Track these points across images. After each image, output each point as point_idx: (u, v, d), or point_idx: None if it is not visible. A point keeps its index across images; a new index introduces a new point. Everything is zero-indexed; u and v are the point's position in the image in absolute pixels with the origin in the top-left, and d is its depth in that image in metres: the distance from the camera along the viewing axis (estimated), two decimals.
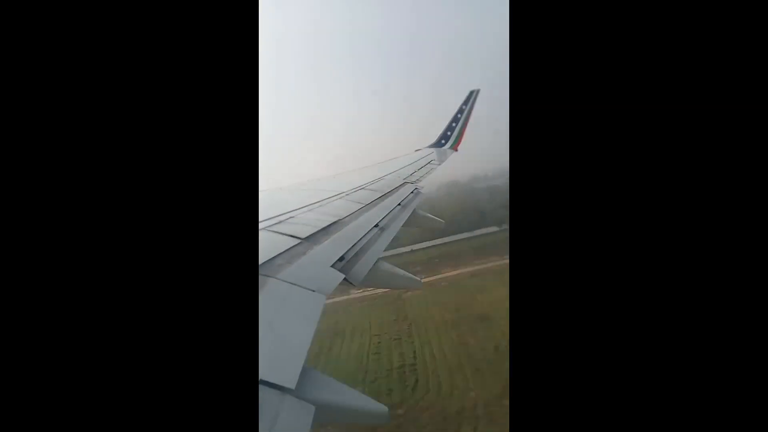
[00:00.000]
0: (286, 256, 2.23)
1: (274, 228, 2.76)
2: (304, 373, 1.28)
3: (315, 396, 1.25)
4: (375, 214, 3.70)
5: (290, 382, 1.20)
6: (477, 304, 26.45)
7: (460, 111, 11.50)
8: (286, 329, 1.50)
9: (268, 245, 2.33)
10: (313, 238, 2.64)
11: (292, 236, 2.57)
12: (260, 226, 2.77)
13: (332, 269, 2.24)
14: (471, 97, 11.62)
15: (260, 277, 1.86)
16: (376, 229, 3.25)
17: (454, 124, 11.38)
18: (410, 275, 3.06)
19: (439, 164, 8.45)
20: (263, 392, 1.14)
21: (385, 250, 2.91)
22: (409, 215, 4.23)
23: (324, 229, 2.90)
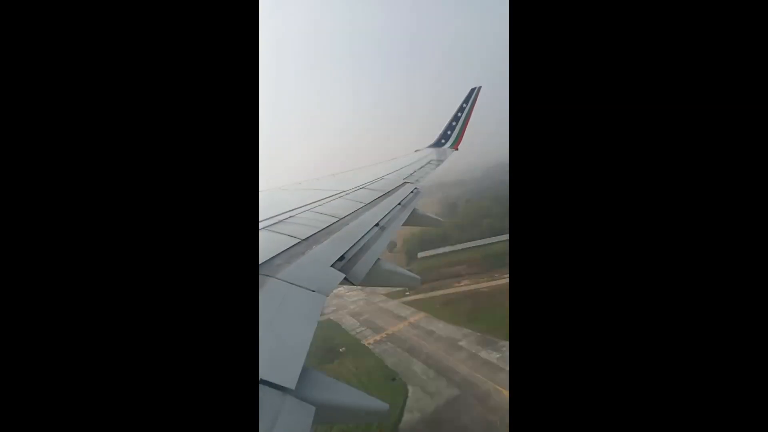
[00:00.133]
0: (286, 255, 2.23)
1: (274, 228, 2.76)
2: (304, 373, 1.28)
3: (315, 396, 1.25)
4: (375, 214, 3.70)
5: (290, 382, 1.20)
6: None
7: (461, 109, 11.48)
8: (286, 329, 1.50)
9: (268, 245, 2.33)
10: (312, 238, 2.64)
11: (291, 236, 2.57)
12: (260, 225, 2.77)
13: (332, 269, 2.24)
14: (472, 95, 11.60)
15: (260, 277, 1.86)
16: (376, 229, 3.25)
17: (454, 123, 11.37)
18: (410, 274, 3.06)
19: (439, 164, 8.45)
20: (263, 392, 1.14)
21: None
22: (409, 214, 4.23)
23: (324, 228, 2.90)
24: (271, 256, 2.16)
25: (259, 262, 2.03)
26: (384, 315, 33.40)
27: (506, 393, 19.77)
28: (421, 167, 7.58)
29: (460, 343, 26.25)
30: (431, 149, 10.58)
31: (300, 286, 1.86)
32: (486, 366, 23.05)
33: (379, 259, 2.74)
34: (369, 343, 28.52)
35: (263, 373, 1.18)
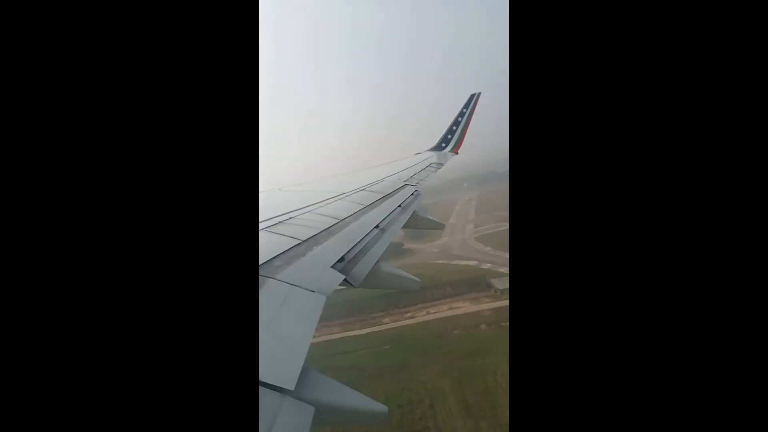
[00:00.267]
0: (286, 256, 2.23)
1: (275, 228, 2.76)
2: (304, 373, 1.28)
3: (314, 397, 1.24)
4: (376, 215, 3.70)
5: (290, 383, 1.20)
6: None
7: (461, 114, 11.53)
8: (285, 330, 1.50)
9: (268, 246, 2.32)
10: (313, 239, 2.64)
11: (292, 237, 2.57)
12: (260, 226, 2.77)
13: (332, 270, 2.24)
14: (472, 101, 11.64)
15: (260, 278, 1.85)
16: (376, 230, 3.24)
17: (454, 128, 11.40)
18: (410, 276, 3.06)
19: (440, 167, 8.47)
20: (263, 393, 1.13)
21: None
22: (409, 217, 4.23)
23: (324, 229, 2.90)
24: (272, 256, 2.16)
25: (260, 263, 2.03)
26: None
27: None
28: (422, 170, 7.60)
29: None
30: (432, 152, 10.60)
31: (300, 287, 1.86)
32: None
33: (379, 260, 2.73)
34: None
35: (263, 373, 1.18)
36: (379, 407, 1.45)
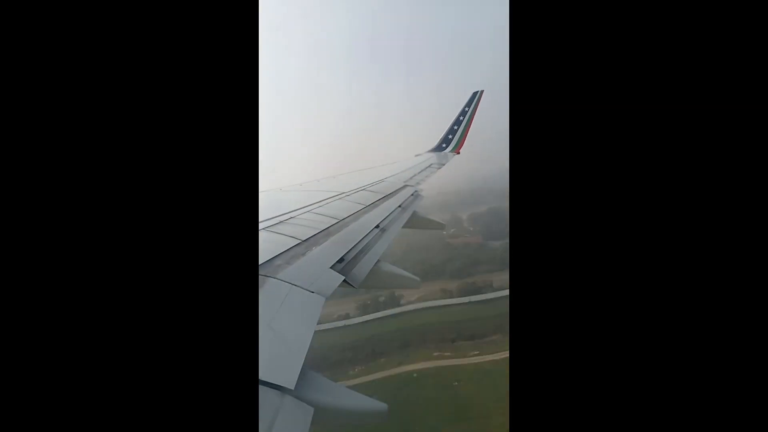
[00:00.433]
0: (286, 256, 2.23)
1: (274, 228, 2.76)
2: (304, 373, 1.28)
3: (314, 396, 1.24)
4: (376, 215, 3.71)
5: (289, 383, 1.20)
6: None
7: (463, 113, 11.48)
8: (285, 330, 1.50)
9: (268, 245, 2.33)
10: (313, 239, 2.64)
11: (292, 237, 2.57)
12: (260, 226, 2.77)
13: (332, 270, 2.24)
14: (474, 99, 11.58)
15: (260, 277, 1.86)
16: (376, 230, 3.25)
17: (456, 127, 11.37)
18: (410, 275, 3.06)
19: (440, 168, 8.47)
20: (263, 392, 1.14)
21: None
22: (409, 217, 4.24)
23: (324, 229, 2.90)
24: (272, 256, 2.16)
25: (260, 263, 2.03)
26: None
27: None
28: (422, 170, 7.60)
29: None
30: (432, 153, 10.60)
31: (300, 287, 1.86)
32: None
33: (379, 260, 2.74)
34: None
35: (263, 373, 1.18)
36: (379, 406, 1.45)
